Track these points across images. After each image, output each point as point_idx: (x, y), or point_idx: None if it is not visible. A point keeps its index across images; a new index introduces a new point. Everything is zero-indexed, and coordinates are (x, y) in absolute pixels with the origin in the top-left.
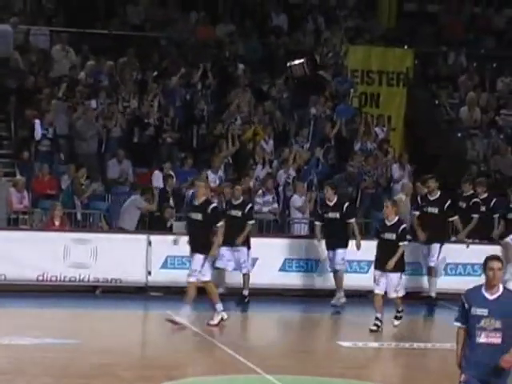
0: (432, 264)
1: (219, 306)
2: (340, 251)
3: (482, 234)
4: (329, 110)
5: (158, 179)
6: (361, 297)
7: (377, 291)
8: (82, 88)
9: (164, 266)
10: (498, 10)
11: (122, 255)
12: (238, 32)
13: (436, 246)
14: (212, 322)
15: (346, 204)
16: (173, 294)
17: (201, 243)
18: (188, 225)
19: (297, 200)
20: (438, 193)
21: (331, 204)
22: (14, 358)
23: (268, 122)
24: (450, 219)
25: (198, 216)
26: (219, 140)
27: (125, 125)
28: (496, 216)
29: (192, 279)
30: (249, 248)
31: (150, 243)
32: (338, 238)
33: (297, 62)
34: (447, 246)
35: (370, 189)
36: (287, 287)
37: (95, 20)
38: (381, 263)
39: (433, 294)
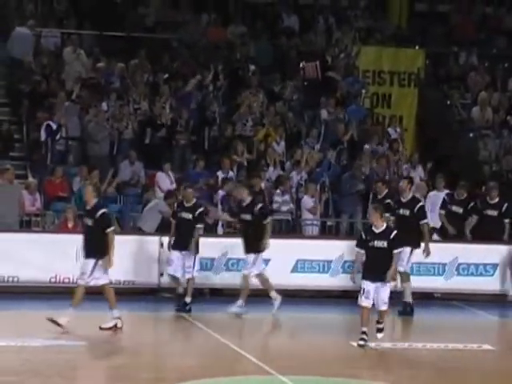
0: (401, 269)
1: (115, 312)
2: None
3: (493, 238)
4: (340, 112)
5: (163, 180)
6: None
7: (365, 304)
8: (94, 90)
9: None
10: (510, 9)
11: (134, 257)
12: (249, 33)
13: (407, 250)
14: (104, 326)
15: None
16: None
17: (94, 248)
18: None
19: (308, 201)
20: (410, 195)
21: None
22: (26, 359)
23: (279, 124)
24: (421, 222)
25: (89, 222)
26: (233, 142)
27: (136, 127)
28: (507, 221)
29: (81, 282)
30: (197, 252)
31: (161, 245)
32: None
33: (310, 63)
34: (459, 246)
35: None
36: (300, 288)
37: (106, 22)
38: (370, 272)
39: (409, 300)
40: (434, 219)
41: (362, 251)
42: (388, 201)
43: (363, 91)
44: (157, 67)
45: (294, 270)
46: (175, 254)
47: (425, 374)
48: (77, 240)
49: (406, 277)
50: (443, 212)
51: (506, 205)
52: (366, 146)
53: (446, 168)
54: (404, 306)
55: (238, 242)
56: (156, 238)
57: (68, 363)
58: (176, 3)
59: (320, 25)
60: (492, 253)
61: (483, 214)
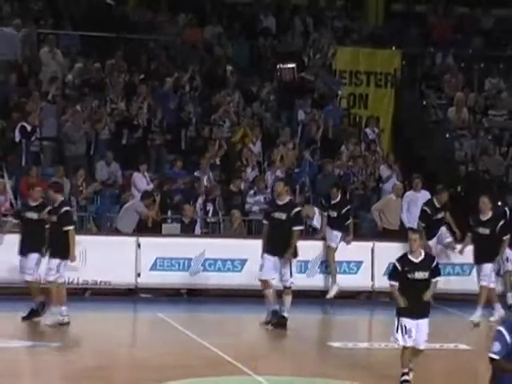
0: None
1: (62, 310)
2: None
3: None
4: (316, 112)
5: (140, 181)
6: (349, 298)
7: (409, 344)
8: (70, 90)
9: (153, 267)
10: (486, 10)
11: (111, 257)
12: (226, 34)
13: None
14: (48, 323)
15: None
16: (162, 295)
17: (36, 243)
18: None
19: None
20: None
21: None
22: (4, 361)
23: (256, 124)
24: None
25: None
26: (208, 142)
27: (113, 127)
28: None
29: (28, 278)
30: (64, 258)
31: (139, 245)
32: None
33: (287, 65)
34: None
35: (358, 190)
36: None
37: (83, 22)
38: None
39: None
40: (410, 220)
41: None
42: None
43: (340, 92)
44: (134, 67)
45: None
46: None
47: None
48: None
49: None
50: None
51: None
52: (343, 147)
53: (422, 168)
54: None
55: (214, 242)
56: (133, 239)
57: (46, 364)
58: (153, 3)
59: (297, 25)
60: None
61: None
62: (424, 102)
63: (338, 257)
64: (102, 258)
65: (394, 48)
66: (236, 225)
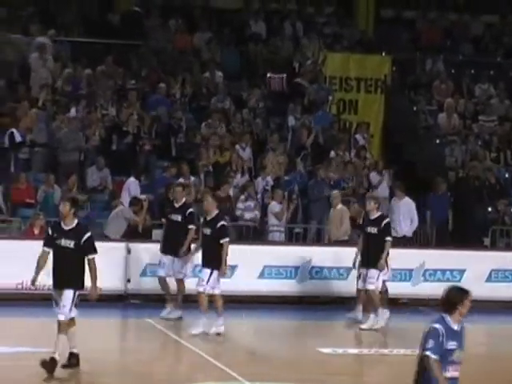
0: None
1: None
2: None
3: None
4: (306, 118)
5: (135, 187)
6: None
7: None
8: (60, 96)
9: (143, 273)
10: (475, 16)
11: (100, 263)
12: (215, 39)
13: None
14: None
15: None
16: (152, 301)
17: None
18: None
19: (275, 206)
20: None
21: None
22: None
23: (246, 130)
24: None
25: None
26: (199, 148)
27: (103, 133)
28: None
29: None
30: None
31: (129, 251)
32: None
33: (277, 75)
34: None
35: (348, 196)
36: (266, 294)
37: (73, 27)
38: None
39: None
40: (396, 228)
41: None
42: None
43: (330, 98)
44: (124, 73)
45: (261, 276)
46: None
47: (392, 380)
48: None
49: None
50: None
51: None
52: (332, 153)
53: (411, 174)
54: None
55: None
56: (122, 245)
57: (32, 370)
58: (144, 9)
59: (287, 31)
60: (460, 258)
61: None
62: (414, 108)
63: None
64: None
65: (383, 54)
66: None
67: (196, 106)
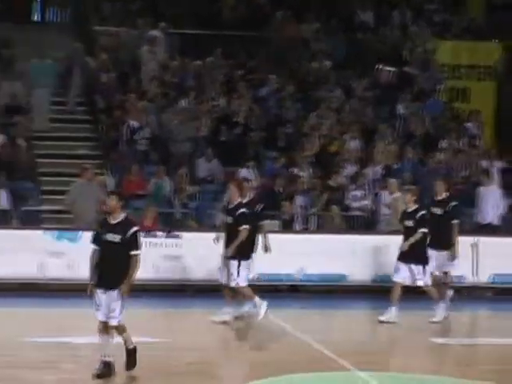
0: None
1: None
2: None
3: None
4: (416, 107)
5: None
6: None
7: None
8: (169, 89)
9: None
10: None
11: (210, 253)
12: (323, 29)
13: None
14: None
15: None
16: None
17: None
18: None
19: (386, 197)
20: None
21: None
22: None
23: (355, 120)
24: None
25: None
26: (306, 138)
27: (212, 124)
28: None
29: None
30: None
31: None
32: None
33: (387, 68)
34: None
35: (459, 185)
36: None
37: (182, 19)
38: None
39: None
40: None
41: None
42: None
43: (440, 86)
44: (233, 64)
45: None
46: None
47: (508, 369)
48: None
49: None
50: None
51: None
52: (443, 141)
53: None
54: None
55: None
56: None
57: (150, 359)
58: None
59: (395, 19)
60: None
61: None
62: None
63: None
64: (201, 253)
65: (495, 41)
66: (336, 220)
67: (304, 96)
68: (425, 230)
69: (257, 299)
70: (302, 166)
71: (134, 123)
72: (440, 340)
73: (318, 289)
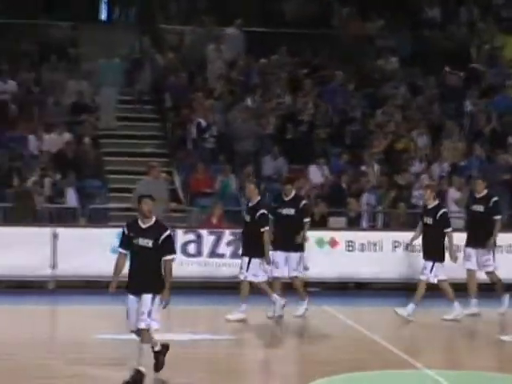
0: None
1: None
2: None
3: None
4: (484, 103)
5: (314, 174)
6: None
7: None
8: (235, 86)
9: None
10: None
11: None
12: (389, 26)
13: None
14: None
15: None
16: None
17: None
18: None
19: (454, 193)
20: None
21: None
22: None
23: (422, 117)
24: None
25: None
26: (373, 135)
27: (278, 122)
28: None
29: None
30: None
31: None
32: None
33: (454, 71)
34: None
35: None
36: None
37: (248, 18)
38: None
39: None
40: None
41: None
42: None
43: (509, 82)
44: (298, 62)
45: None
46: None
47: None
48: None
49: None
50: None
51: None
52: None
53: None
54: None
55: None
56: None
57: (211, 357)
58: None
59: (463, 16)
60: None
61: None
62: None
63: None
64: None
65: None
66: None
67: (370, 93)
68: (449, 229)
69: (275, 296)
70: (370, 164)
71: (201, 121)
72: (507, 337)
73: (384, 286)
